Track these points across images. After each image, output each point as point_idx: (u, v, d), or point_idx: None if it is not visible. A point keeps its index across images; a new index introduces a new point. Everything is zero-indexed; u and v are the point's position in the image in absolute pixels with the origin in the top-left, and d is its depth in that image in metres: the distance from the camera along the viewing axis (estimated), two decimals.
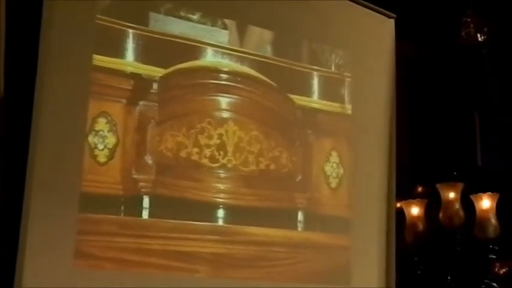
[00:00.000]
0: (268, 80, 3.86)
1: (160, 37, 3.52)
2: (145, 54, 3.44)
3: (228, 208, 3.62)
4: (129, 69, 3.41)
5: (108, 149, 3.26)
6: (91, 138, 3.22)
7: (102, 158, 3.24)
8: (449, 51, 5.54)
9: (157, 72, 3.47)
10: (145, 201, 3.35)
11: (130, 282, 3.26)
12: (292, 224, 3.84)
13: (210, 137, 3.59)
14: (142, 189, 3.34)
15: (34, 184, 2.96)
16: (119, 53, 3.39)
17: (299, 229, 3.88)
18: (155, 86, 3.46)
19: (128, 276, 3.27)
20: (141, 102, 3.40)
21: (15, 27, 3.34)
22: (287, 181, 3.85)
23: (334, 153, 4.05)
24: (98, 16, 3.30)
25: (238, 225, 3.64)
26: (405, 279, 4.38)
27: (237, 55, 3.79)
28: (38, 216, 2.96)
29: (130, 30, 3.41)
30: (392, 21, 4.41)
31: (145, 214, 3.35)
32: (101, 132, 3.25)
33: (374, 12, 4.34)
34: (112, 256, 3.20)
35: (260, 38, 3.92)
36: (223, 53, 3.74)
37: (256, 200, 3.71)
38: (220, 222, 3.62)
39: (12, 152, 3.16)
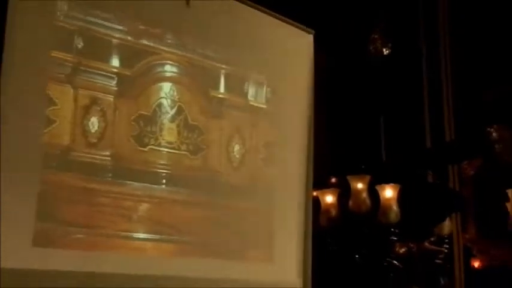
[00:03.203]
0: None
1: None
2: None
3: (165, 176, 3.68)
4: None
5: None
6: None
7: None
8: (360, 63, 5.64)
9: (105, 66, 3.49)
10: None
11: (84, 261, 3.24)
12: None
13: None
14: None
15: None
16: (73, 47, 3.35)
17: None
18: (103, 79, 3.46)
19: (80, 255, 3.24)
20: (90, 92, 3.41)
21: None
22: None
23: (238, 137, 4.05)
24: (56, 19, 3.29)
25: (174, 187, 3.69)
26: (320, 257, 4.40)
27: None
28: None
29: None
30: (311, 36, 4.49)
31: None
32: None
33: (295, 28, 4.40)
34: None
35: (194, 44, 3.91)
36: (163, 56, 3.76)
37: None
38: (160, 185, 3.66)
39: None
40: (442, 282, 4.99)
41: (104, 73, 3.47)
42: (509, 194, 4.74)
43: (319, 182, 4.69)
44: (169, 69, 3.77)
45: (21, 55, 3.09)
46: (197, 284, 3.62)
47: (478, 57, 5.78)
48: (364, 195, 4.73)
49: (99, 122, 3.41)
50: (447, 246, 5.12)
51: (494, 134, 5.43)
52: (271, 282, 4.04)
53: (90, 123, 3.38)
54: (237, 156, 4.02)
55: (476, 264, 5.47)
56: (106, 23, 3.48)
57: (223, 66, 4.01)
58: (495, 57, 5.66)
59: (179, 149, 3.74)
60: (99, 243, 3.34)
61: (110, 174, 3.43)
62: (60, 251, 3.18)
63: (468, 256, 5.55)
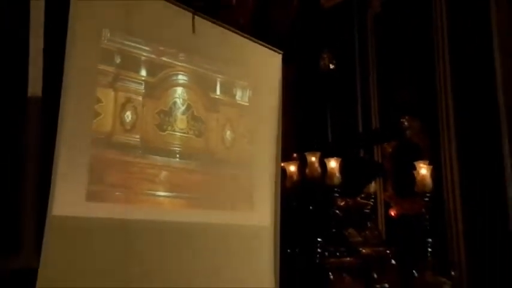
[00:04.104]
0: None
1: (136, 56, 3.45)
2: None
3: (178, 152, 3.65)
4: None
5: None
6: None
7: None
8: (314, 73, 5.59)
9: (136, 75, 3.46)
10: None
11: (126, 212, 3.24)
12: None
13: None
14: None
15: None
16: (114, 62, 3.33)
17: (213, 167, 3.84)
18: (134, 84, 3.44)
19: (119, 206, 3.23)
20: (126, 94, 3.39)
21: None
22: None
23: (229, 126, 4.00)
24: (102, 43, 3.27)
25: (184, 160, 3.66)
26: (285, 209, 4.34)
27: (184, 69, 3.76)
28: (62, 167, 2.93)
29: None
30: (280, 55, 4.40)
31: None
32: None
33: (269, 50, 4.35)
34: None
35: (198, 60, 3.85)
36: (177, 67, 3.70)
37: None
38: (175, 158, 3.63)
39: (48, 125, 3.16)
40: (369, 225, 5.00)
41: (135, 80, 3.45)
42: (416, 165, 4.77)
43: (285, 156, 4.62)
44: (181, 77, 3.74)
45: (78, 68, 3.06)
46: (200, 227, 3.60)
47: (394, 70, 5.79)
48: (316, 165, 4.66)
49: (132, 115, 3.40)
50: (373, 200, 5.04)
51: (406, 123, 5.43)
52: (252, 225, 4.01)
53: (125, 115, 3.37)
54: (229, 139, 3.99)
55: (392, 213, 5.50)
56: (137, 45, 3.46)
57: (219, 76, 3.97)
58: (406, 70, 5.68)
59: (188, 133, 3.72)
60: (131, 198, 3.34)
61: (140, 151, 3.42)
62: (104, 204, 3.20)
63: (387, 207, 5.59)
